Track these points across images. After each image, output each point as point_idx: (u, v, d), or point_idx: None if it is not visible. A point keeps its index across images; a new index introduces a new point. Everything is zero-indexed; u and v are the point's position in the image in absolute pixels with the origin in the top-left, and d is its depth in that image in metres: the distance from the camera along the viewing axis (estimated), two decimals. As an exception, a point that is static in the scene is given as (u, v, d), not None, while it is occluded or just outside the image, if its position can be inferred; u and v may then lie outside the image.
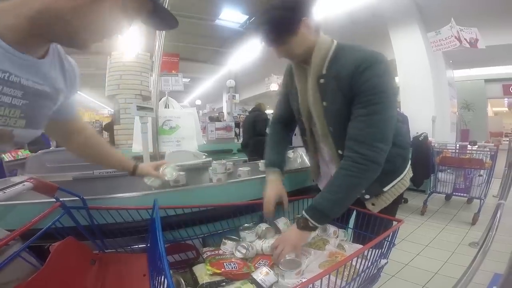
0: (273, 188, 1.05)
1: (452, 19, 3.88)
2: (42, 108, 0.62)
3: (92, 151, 0.87)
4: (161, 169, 0.94)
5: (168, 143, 2.03)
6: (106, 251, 0.81)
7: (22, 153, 2.95)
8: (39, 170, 1.48)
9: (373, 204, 1.03)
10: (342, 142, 0.95)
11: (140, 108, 1.70)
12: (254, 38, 6.07)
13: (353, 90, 0.88)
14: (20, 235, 0.58)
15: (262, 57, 6.81)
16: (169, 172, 0.94)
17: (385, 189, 1.02)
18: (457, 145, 3.63)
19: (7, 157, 2.89)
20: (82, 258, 0.70)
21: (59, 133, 0.83)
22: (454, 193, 3.45)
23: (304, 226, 0.88)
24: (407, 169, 1.07)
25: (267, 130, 1.26)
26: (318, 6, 1.01)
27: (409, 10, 4.85)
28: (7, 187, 0.68)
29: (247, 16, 6.07)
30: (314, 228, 0.89)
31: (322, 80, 0.93)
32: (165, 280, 0.45)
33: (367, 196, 1.01)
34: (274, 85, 7.01)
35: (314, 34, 0.94)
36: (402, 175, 1.05)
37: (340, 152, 0.98)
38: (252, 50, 6.70)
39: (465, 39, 3.96)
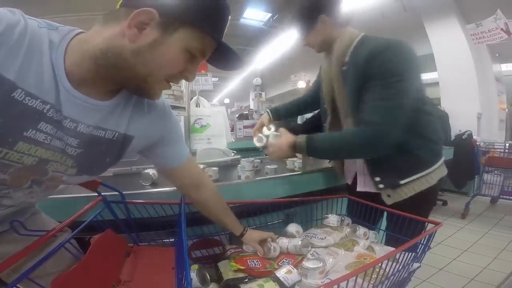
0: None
1: (499, 10, 3.54)
2: (99, 156, 0.57)
3: (208, 211, 0.85)
4: (265, 247, 0.87)
5: (200, 141, 2.09)
6: (139, 244, 0.86)
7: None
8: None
9: (388, 196, 1.01)
10: None
11: (173, 107, 1.76)
12: (279, 35, 6.03)
13: (366, 75, 0.92)
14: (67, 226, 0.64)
15: (288, 54, 6.73)
16: (270, 252, 0.87)
17: (402, 181, 0.98)
18: (507, 144, 3.32)
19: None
20: (118, 250, 0.74)
21: (172, 182, 0.80)
22: (501, 196, 3.18)
23: (297, 148, 1.03)
24: (436, 166, 1.01)
25: None
26: (343, 3, 1.07)
27: (445, 1, 4.50)
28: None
29: (270, 14, 6.05)
30: (299, 152, 1.06)
31: (344, 68, 1.00)
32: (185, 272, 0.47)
33: (381, 186, 1.01)
34: (302, 82, 6.88)
35: (334, 28, 1.05)
36: (427, 171, 0.99)
37: None
38: (277, 47, 6.65)
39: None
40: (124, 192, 0.84)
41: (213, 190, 0.85)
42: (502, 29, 3.58)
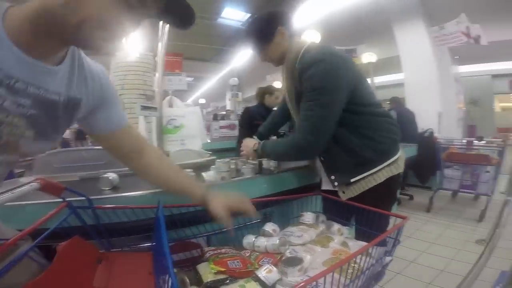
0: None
1: (463, 14, 3.80)
2: (53, 119, 0.58)
3: (157, 177, 0.82)
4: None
5: (173, 142, 2.03)
6: (112, 250, 0.82)
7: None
8: (46, 171, 1.49)
9: (343, 192, 1.10)
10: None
11: (144, 108, 1.70)
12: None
13: (301, 87, 1.03)
14: (29, 235, 0.59)
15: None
16: None
17: (353, 180, 1.07)
18: (464, 141, 3.59)
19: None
20: (88, 257, 0.70)
21: (114, 151, 0.77)
22: (460, 190, 3.41)
23: (257, 152, 1.23)
24: (383, 164, 1.07)
25: None
26: (297, 15, 1.14)
27: (412, 4, 4.78)
28: (15, 188, 0.69)
29: (249, 14, 6.06)
30: (259, 156, 1.25)
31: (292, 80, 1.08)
32: (169, 278, 0.45)
33: (335, 184, 1.11)
34: (278, 82, 6.97)
35: (289, 39, 1.11)
36: (374, 169, 1.06)
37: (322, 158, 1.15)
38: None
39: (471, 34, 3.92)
40: (91, 197, 0.80)
41: (157, 153, 0.83)
42: (463, 32, 3.85)
